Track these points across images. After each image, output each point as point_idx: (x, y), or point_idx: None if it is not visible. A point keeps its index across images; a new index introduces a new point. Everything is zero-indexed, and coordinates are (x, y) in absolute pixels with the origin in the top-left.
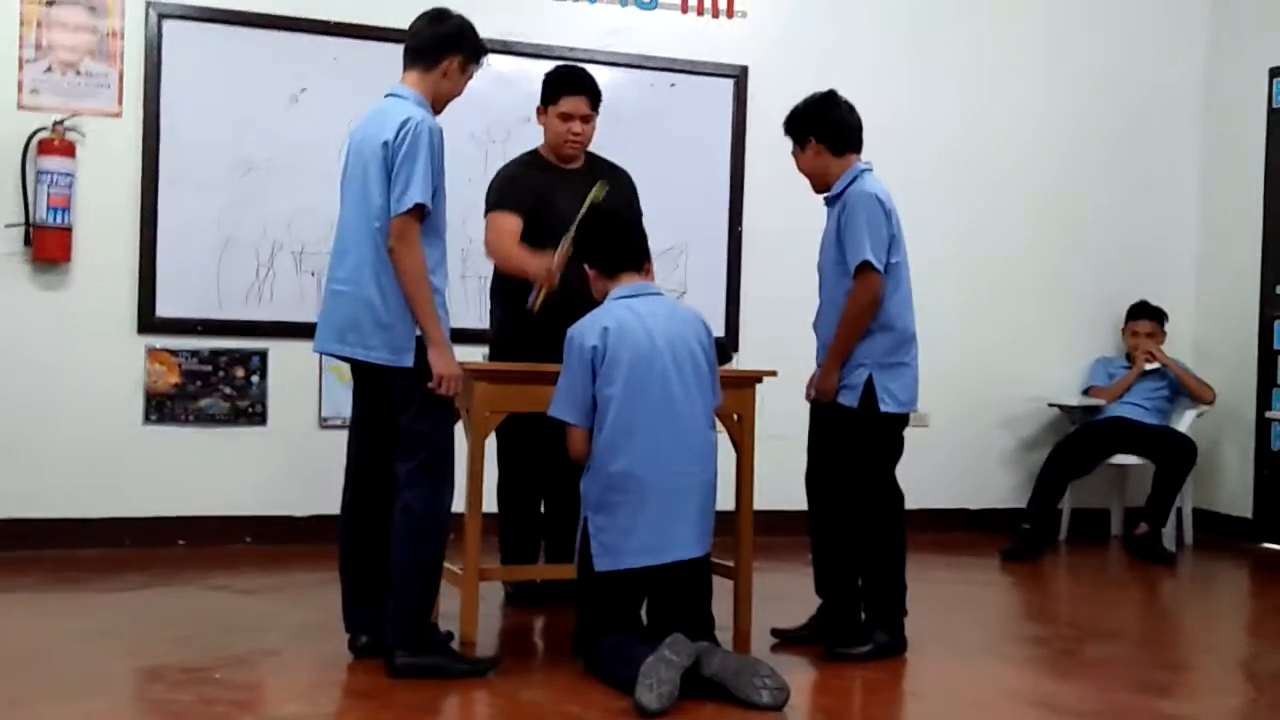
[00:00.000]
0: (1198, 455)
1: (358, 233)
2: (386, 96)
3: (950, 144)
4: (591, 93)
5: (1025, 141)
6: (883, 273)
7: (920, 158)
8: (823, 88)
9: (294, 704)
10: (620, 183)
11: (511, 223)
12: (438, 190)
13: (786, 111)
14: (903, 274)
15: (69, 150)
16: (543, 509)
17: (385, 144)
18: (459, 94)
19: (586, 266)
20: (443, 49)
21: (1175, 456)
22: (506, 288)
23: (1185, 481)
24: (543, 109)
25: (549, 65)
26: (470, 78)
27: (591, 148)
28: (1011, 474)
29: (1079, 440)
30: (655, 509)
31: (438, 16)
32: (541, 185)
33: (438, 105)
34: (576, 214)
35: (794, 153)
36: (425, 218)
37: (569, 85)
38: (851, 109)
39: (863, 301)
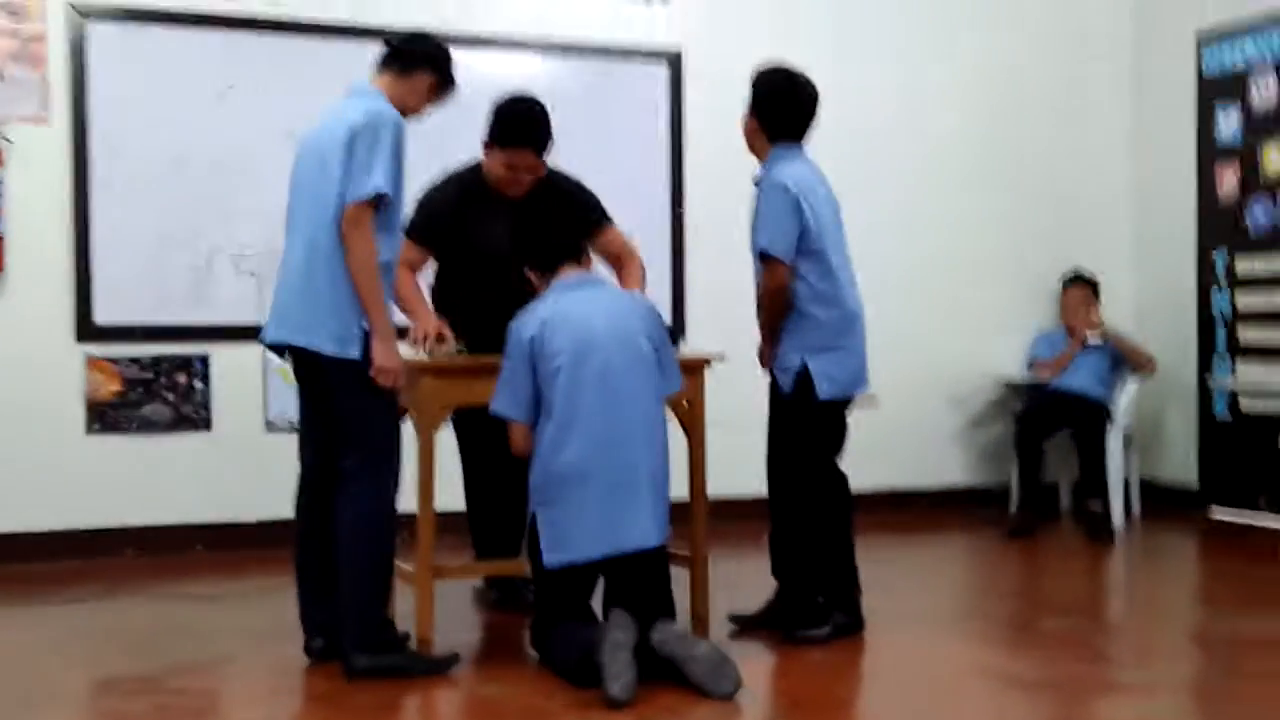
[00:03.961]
0: (1109, 415)
1: (311, 222)
2: (352, 94)
3: (883, 120)
4: (539, 145)
5: (957, 117)
6: (783, 260)
7: (853, 134)
8: (756, 66)
9: (251, 710)
10: (565, 198)
11: (413, 255)
12: (397, 188)
13: (721, 93)
14: (829, 258)
15: None
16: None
17: (350, 128)
18: (418, 114)
19: (526, 270)
20: (420, 62)
21: (1086, 422)
22: (442, 297)
23: (1106, 444)
24: (489, 146)
25: (481, 53)
26: (430, 103)
27: None
28: (963, 451)
29: (1026, 419)
30: (602, 499)
31: (423, 35)
32: (468, 216)
33: (401, 114)
34: (501, 243)
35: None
36: (382, 209)
37: (517, 136)
38: (802, 95)
39: (767, 289)
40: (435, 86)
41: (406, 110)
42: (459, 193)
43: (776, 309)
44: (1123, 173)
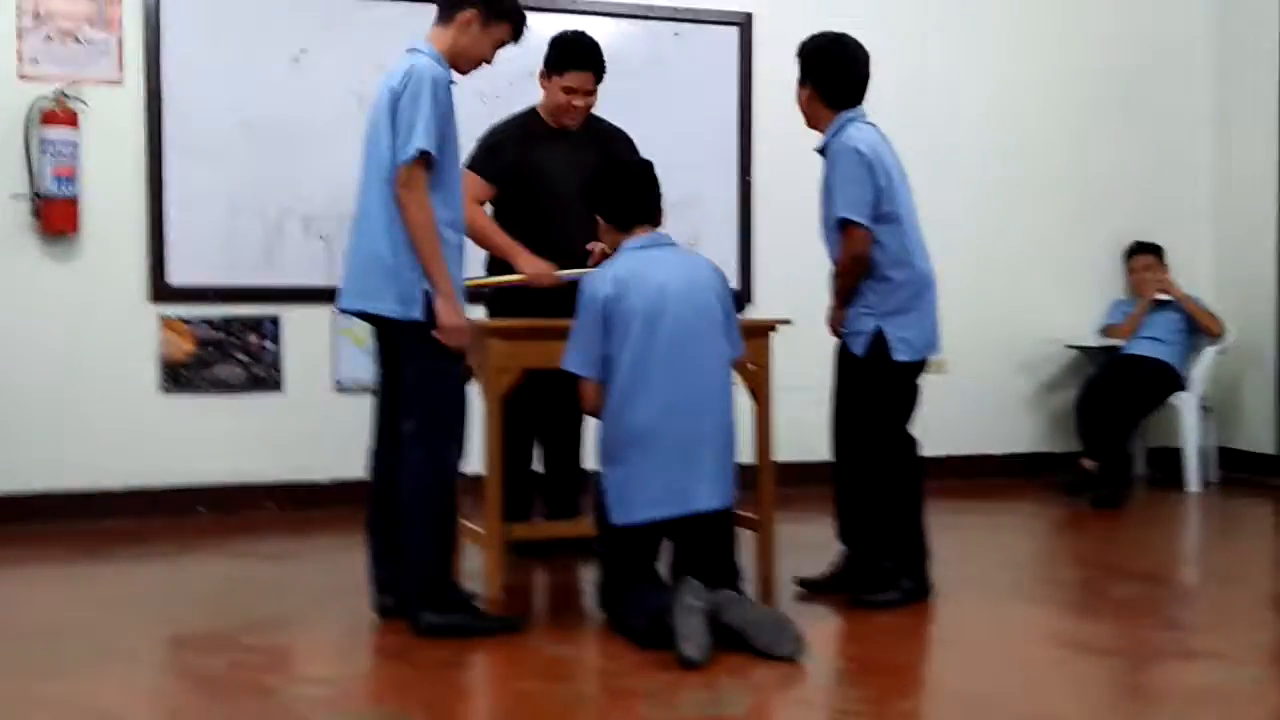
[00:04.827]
0: (1181, 379)
1: (370, 187)
2: (406, 52)
3: (961, 92)
4: (597, 67)
5: (1037, 91)
6: (864, 226)
7: (931, 106)
8: (804, 38)
9: (322, 665)
10: (620, 143)
11: (478, 188)
12: (446, 141)
13: (791, 58)
14: (903, 219)
15: (72, 120)
16: (539, 466)
17: (392, 92)
18: (484, 56)
19: (599, 219)
20: (459, 2)
21: (1151, 385)
22: (503, 229)
23: (1146, 411)
24: (546, 75)
25: (552, 19)
26: (498, 41)
27: (599, 99)
28: (1032, 417)
29: (1091, 386)
30: (669, 460)
31: None
32: (529, 150)
33: (459, 64)
34: (562, 176)
35: (797, 82)
36: (432, 166)
37: (575, 60)
38: (856, 58)
39: (847, 257)
40: (481, 19)
41: (463, 57)
42: (519, 128)
43: (856, 275)
44: (1202, 146)
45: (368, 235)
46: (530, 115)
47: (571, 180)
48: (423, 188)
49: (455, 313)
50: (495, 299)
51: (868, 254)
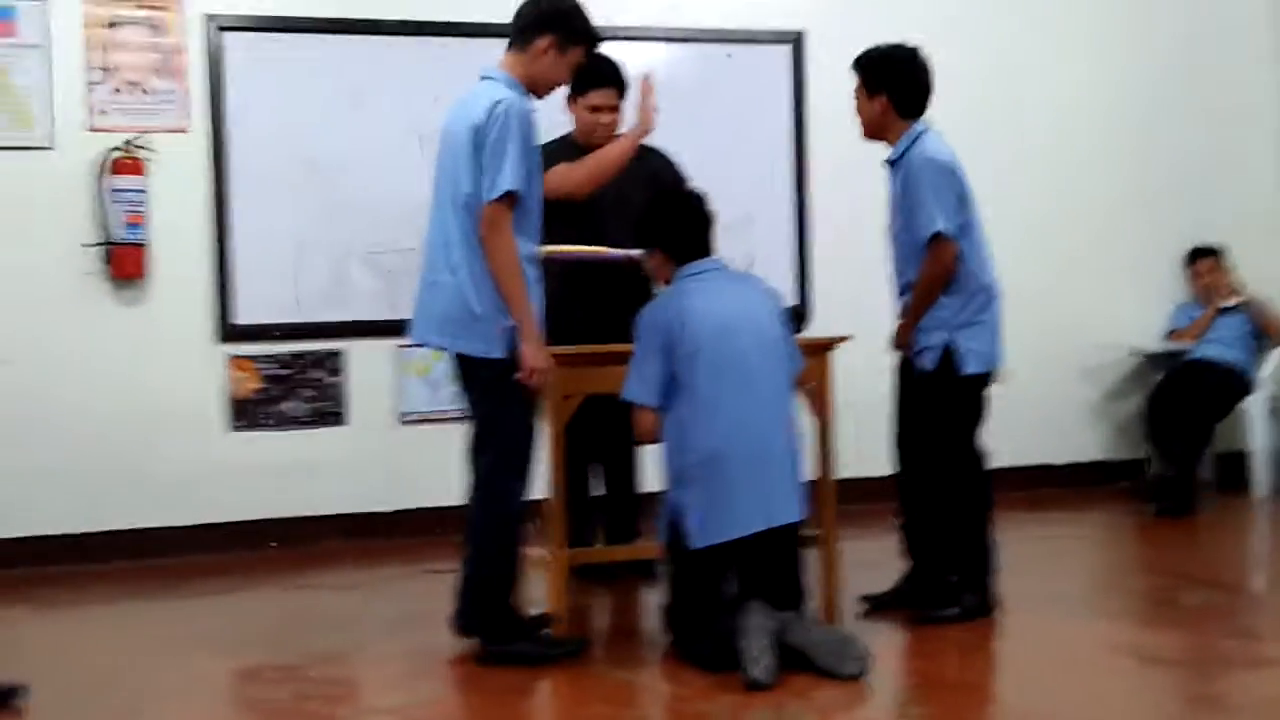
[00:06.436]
0: (1249, 382)
1: (449, 222)
2: (481, 79)
3: (1021, 98)
4: (618, 84)
5: (1100, 90)
6: (955, 238)
7: (990, 113)
8: (871, 48)
9: (388, 695)
10: (660, 161)
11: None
12: (531, 176)
13: (844, 74)
14: (974, 230)
15: (140, 168)
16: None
17: (475, 128)
18: (561, 79)
19: (650, 251)
20: (534, 28)
21: (1220, 389)
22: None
23: (1218, 417)
24: (572, 99)
25: (606, 46)
26: (574, 65)
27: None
28: (1096, 425)
29: (1159, 393)
30: (743, 481)
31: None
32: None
33: (535, 88)
34: (605, 197)
35: (857, 93)
36: (518, 205)
37: (596, 78)
38: (927, 67)
39: (936, 271)
40: (558, 45)
41: (539, 82)
42: (560, 149)
43: (939, 289)
44: (1266, 144)
45: (444, 269)
46: (567, 140)
47: (615, 201)
48: (508, 228)
49: (541, 354)
50: (552, 328)
51: (954, 267)
